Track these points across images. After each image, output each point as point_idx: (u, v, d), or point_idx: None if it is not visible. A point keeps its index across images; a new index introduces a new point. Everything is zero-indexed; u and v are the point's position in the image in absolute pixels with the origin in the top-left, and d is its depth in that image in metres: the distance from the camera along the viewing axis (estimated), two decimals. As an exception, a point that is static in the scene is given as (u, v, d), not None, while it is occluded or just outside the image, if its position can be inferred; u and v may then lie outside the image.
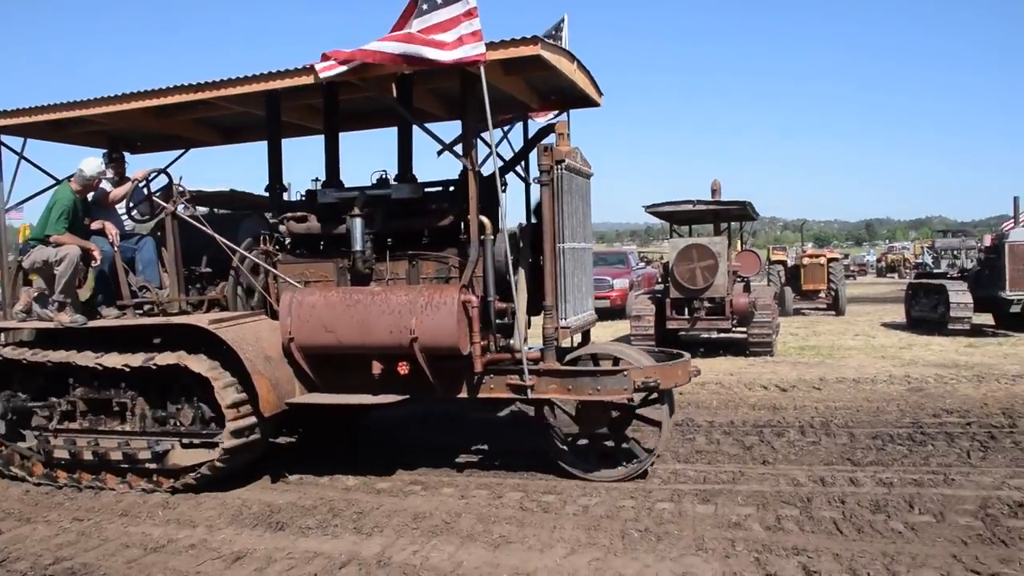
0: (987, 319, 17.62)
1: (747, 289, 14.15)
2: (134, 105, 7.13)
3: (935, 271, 23.39)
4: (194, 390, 6.67)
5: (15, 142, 8.23)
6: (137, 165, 10.34)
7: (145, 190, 7.74)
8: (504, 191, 7.20)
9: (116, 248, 7.50)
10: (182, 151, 9.59)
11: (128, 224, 8.12)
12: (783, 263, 25.80)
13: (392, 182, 7.20)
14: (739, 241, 20.45)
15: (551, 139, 6.95)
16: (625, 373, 6.20)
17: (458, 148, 6.69)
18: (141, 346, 6.90)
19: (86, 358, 6.84)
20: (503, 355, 6.57)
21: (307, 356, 6.66)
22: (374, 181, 7.17)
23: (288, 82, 6.57)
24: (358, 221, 6.77)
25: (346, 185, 7.37)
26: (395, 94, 7.18)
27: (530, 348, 6.47)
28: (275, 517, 5.99)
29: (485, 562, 4.97)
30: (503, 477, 6.79)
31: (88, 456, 6.90)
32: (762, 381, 11.11)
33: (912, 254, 52.90)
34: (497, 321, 6.53)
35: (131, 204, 7.91)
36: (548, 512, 5.88)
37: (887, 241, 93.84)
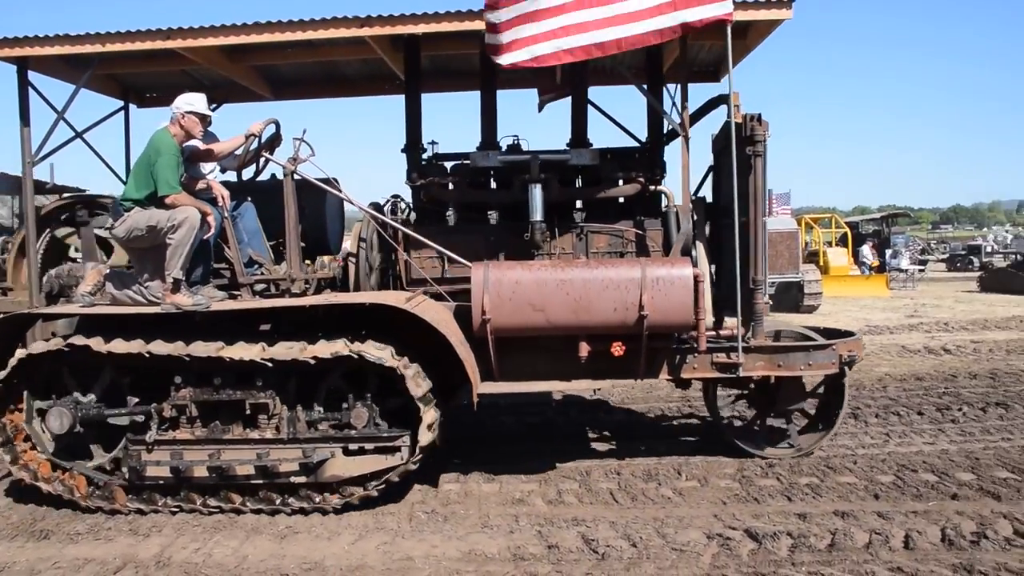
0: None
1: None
2: (268, 38, 6.29)
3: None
4: (360, 385, 5.64)
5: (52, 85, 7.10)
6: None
7: (254, 144, 6.34)
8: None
9: (226, 215, 6.06)
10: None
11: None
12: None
13: (565, 148, 6.69)
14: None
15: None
16: (833, 347, 6.15)
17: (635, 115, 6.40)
18: (249, 334, 5.74)
19: (285, 351, 5.48)
20: (710, 332, 6.27)
21: (500, 339, 5.82)
22: (505, 147, 6.75)
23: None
24: (538, 188, 6.19)
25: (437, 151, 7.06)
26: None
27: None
28: (39, 525, 5.48)
29: (271, 554, 4.87)
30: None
31: (202, 473, 5.61)
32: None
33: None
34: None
35: (244, 159, 6.46)
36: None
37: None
